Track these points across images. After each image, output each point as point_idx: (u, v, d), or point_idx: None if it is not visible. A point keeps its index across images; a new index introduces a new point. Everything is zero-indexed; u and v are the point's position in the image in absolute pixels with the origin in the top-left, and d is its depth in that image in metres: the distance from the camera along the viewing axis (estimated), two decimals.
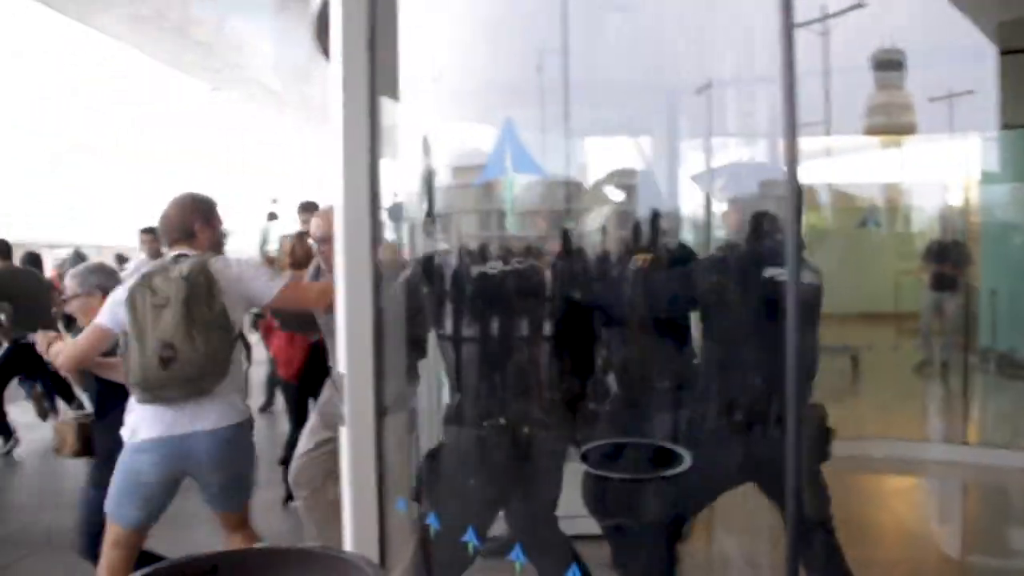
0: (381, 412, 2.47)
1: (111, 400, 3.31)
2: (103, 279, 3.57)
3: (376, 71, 2.34)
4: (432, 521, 2.50)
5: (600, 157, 4.18)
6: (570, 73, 2.90)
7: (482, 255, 3.04)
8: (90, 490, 3.42)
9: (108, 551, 3.10)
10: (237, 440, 3.21)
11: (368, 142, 2.39)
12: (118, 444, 3.13)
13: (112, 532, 3.11)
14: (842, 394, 6.97)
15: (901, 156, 6.22)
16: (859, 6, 3.61)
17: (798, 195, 1.91)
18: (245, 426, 3.26)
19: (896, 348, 6.63)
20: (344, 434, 2.50)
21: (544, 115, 3.06)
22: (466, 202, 2.92)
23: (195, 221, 3.25)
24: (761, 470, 2.73)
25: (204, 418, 3.09)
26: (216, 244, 3.35)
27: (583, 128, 3.38)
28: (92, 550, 3.25)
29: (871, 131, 4.10)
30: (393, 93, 2.63)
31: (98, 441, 3.57)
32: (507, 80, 3.03)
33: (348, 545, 2.52)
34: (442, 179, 2.90)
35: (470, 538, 2.33)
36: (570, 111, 2.93)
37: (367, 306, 2.44)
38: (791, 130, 1.93)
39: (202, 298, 3.00)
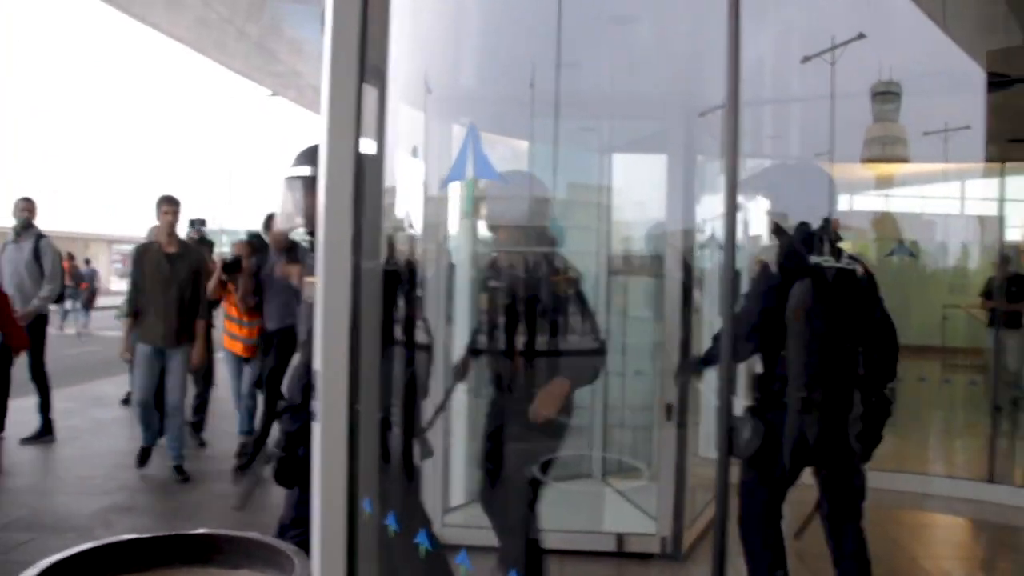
0: (354, 410, 2.47)
1: None
2: None
3: (366, 63, 2.39)
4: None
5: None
6: (564, 87, 2.92)
7: None
8: None
9: None
10: None
11: (353, 135, 2.43)
12: None
13: None
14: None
15: (960, 188, 6.18)
16: (861, 37, 3.63)
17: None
18: None
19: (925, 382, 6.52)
20: (316, 431, 2.50)
21: (533, 128, 3.08)
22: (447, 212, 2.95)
23: None
24: None
25: None
26: None
27: (573, 143, 3.40)
28: None
29: (867, 161, 4.12)
30: (383, 94, 2.67)
31: None
32: (499, 93, 3.07)
33: (315, 543, 2.50)
34: (432, 191, 2.92)
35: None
36: (560, 125, 2.94)
37: (344, 301, 2.45)
38: (733, 150, 2.02)
39: None
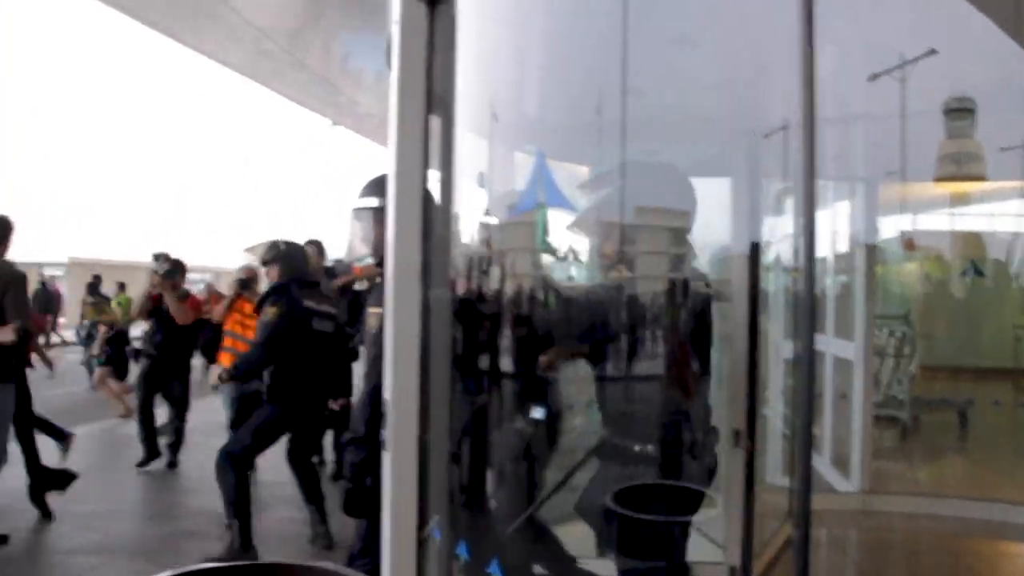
0: (424, 439, 2.46)
1: None
2: None
3: (433, 89, 2.41)
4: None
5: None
6: (629, 112, 2.90)
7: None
8: None
9: None
10: None
11: (421, 167, 2.44)
12: None
13: None
14: (945, 451, 6.69)
15: None
16: (932, 53, 3.55)
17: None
18: None
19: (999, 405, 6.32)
20: (386, 460, 2.49)
21: (602, 155, 3.07)
22: (520, 239, 2.93)
23: None
24: None
25: None
26: None
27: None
28: None
29: (941, 179, 3.99)
30: (449, 124, 2.68)
31: None
32: (564, 120, 3.06)
33: (385, 571, 2.49)
34: (498, 216, 2.92)
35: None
36: (627, 151, 2.93)
37: (414, 329, 2.45)
38: (810, 170, 2.00)
39: None
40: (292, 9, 9.82)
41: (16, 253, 6.50)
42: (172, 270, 7.93)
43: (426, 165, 2.49)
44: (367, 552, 2.98)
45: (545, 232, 2.41)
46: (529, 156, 2.73)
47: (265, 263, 5.99)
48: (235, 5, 9.22)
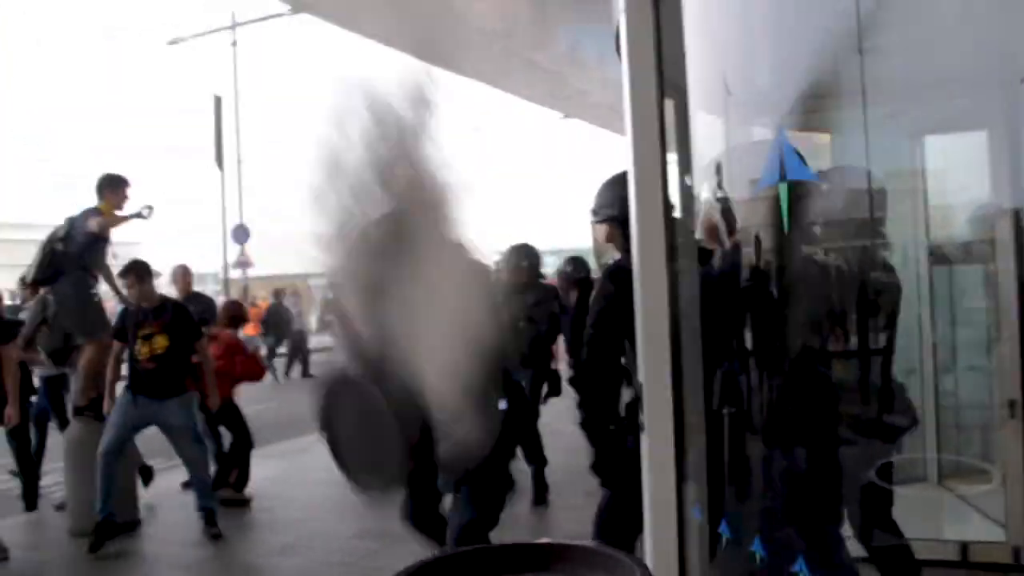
0: (680, 420, 2.48)
1: None
2: None
3: (663, 72, 2.44)
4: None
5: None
6: (868, 73, 2.78)
7: None
8: None
9: None
10: None
11: (658, 146, 2.46)
12: None
13: None
14: None
15: None
16: None
17: None
18: None
19: None
20: (644, 442, 2.54)
21: (841, 118, 2.96)
22: (763, 215, 2.87)
23: None
24: None
25: None
26: None
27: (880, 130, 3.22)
28: None
29: None
30: (684, 106, 2.68)
31: None
32: (799, 86, 2.97)
33: (647, 552, 2.54)
34: (738, 193, 2.88)
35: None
36: (868, 114, 2.80)
37: (663, 313, 2.47)
38: None
39: None
40: (516, 8, 10.03)
41: (285, 266, 7.21)
42: None
43: (664, 149, 2.52)
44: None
45: (789, 206, 2.34)
46: (766, 129, 2.68)
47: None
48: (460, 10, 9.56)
